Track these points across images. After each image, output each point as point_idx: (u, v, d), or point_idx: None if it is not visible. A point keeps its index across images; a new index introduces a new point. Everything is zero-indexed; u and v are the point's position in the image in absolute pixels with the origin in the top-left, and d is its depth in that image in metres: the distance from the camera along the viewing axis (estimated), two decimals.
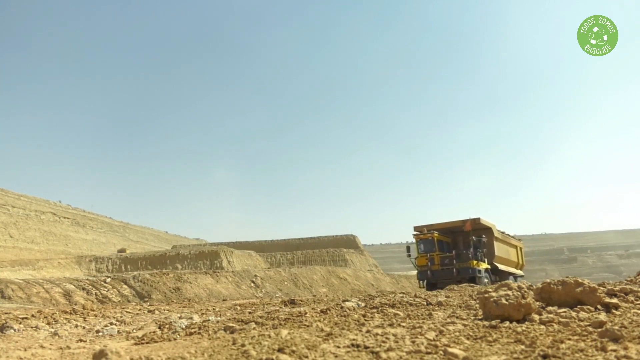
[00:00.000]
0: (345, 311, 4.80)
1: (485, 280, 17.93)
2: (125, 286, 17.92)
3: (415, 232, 19.17)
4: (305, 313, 4.69)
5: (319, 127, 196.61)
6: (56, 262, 33.99)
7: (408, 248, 19.73)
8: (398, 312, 4.35)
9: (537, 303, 3.54)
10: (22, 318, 5.11)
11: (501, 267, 20.10)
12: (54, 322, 5.00)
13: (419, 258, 18.71)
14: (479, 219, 18.39)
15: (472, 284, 15.84)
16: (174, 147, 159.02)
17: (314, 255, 50.45)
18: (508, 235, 22.24)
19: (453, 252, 18.08)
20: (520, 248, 23.77)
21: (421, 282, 19.17)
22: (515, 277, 21.94)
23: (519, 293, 3.34)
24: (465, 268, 17.55)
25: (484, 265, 18.32)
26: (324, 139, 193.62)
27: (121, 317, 5.53)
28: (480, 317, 3.52)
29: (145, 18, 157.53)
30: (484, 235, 18.50)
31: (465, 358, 2.28)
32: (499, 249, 19.92)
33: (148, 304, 8.41)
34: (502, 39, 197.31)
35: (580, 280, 3.70)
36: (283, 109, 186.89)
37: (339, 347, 2.61)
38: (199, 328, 4.13)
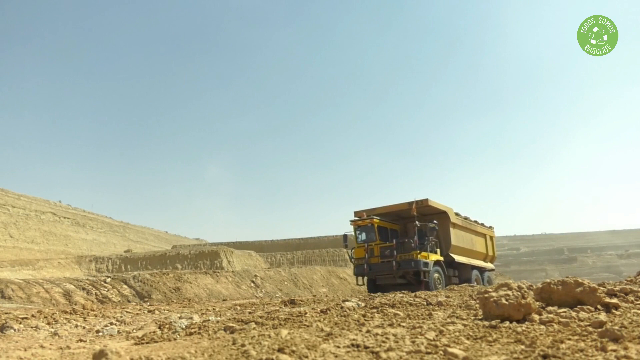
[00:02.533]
0: (345, 311, 4.81)
1: (436, 275, 15.14)
2: (125, 286, 17.92)
3: (353, 218, 15.90)
4: (305, 313, 4.69)
5: (320, 127, 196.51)
6: (56, 262, 33.98)
7: (345, 237, 16.16)
8: (398, 312, 4.36)
9: (537, 303, 3.54)
10: (22, 318, 5.11)
11: (460, 259, 16.87)
12: (54, 322, 5.00)
13: (357, 249, 15.60)
14: (426, 200, 15.39)
15: (419, 278, 14.16)
16: (174, 147, 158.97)
17: (314, 255, 50.41)
18: (472, 221, 18.87)
19: (394, 242, 14.95)
20: (491, 237, 20.28)
21: (359, 278, 16.36)
22: (482, 271, 18.93)
23: (519, 293, 3.34)
24: (407, 260, 14.49)
25: (435, 257, 15.27)
26: (325, 139, 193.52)
27: (121, 317, 5.53)
28: (480, 317, 3.52)
29: (145, 18, 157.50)
30: (435, 221, 15.39)
31: (465, 358, 2.28)
32: (457, 237, 16.82)
33: (148, 304, 8.42)
34: (502, 39, 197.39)
35: (580, 280, 3.71)
36: (283, 109, 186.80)
37: (339, 347, 2.61)
38: (199, 328, 4.13)
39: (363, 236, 15.69)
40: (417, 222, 14.68)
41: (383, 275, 15.18)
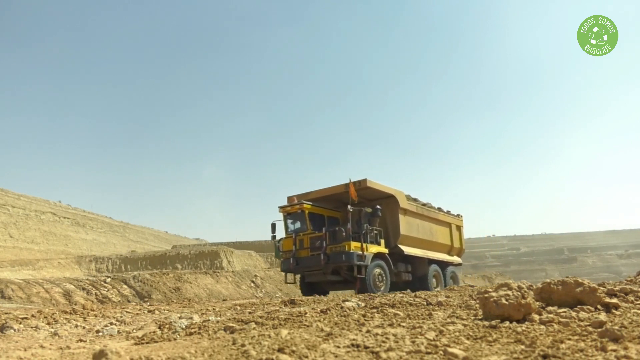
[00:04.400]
0: (345, 311, 4.81)
1: (376, 270, 12.63)
2: (125, 286, 17.91)
3: (282, 205, 13.49)
4: (305, 313, 4.69)
5: (319, 127, 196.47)
6: (56, 262, 33.97)
7: (273, 227, 13.40)
8: (398, 312, 4.36)
9: (537, 303, 3.54)
10: (22, 318, 5.11)
11: (412, 251, 14.37)
12: (54, 322, 5.00)
13: (285, 240, 13.30)
14: (365, 180, 12.81)
15: (359, 275, 11.93)
16: (174, 147, 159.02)
17: None
18: (435, 208, 16.39)
19: (324, 231, 12.47)
20: (458, 227, 17.59)
21: (288, 275, 13.85)
22: (445, 265, 16.32)
23: (519, 293, 3.34)
24: (337, 253, 12.04)
25: (376, 249, 12.81)
26: (324, 138, 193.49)
27: (121, 317, 5.53)
28: (480, 317, 3.52)
29: (145, 19, 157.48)
30: (378, 206, 13.13)
31: (465, 358, 2.28)
32: (408, 225, 14.30)
33: (148, 304, 8.41)
34: (502, 39, 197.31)
35: (580, 280, 3.71)
36: (283, 109, 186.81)
37: (339, 347, 2.62)
38: (199, 328, 4.13)
39: (294, 225, 13.34)
40: (349, 207, 12.32)
41: (312, 272, 12.91)
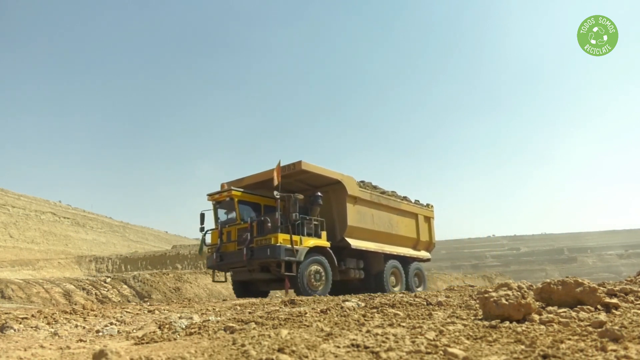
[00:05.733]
0: (345, 311, 4.81)
1: (314, 267, 11.00)
2: (125, 286, 17.92)
3: (211, 192, 11.79)
4: (305, 313, 4.69)
5: (319, 127, 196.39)
6: (56, 262, 33.98)
7: (202, 217, 11.81)
8: (398, 312, 4.35)
9: (537, 303, 3.54)
10: (22, 318, 5.11)
11: (362, 244, 12.57)
12: (54, 322, 5.00)
13: (213, 233, 11.81)
14: (299, 163, 11.24)
15: (290, 273, 10.44)
16: (175, 147, 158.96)
17: None
18: (395, 196, 14.43)
19: (249, 221, 10.84)
20: (427, 218, 15.57)
21: (215, 273, 12.40)
22: (408, 261, 14.57)
23: (519, 293, 3.34)
24: (262, 247, 10.49)
25: (313, 242, 11.15)
26: (324, 138, 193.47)
27: (121, 317, 5.53)
28: (480, 317, 3.52)
29: (145, 19, 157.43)
30: (319, 193, 11.60)
31: (465, 358, 2.28)
32: (359, 215, 12.52)
33: (148, 304, 8.40)
34: (502, 39, 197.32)
35: (580, 280, 3.70)
36: (283, 109, 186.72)
37: (339, 347, 2.61)
38: (199, 328, 4.13)
39: (228, 215, 11.79)
40: (276, 193, 10.62)
41: (236, 269, 11.46)
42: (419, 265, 15.38)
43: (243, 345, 2.72)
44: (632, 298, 3.93)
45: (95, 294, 16.20)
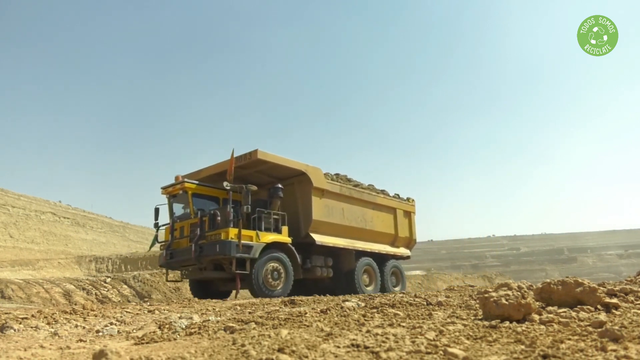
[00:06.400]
0: (345, 311, 4.81)
1: (271, 265, 10.24)
2: (125, 286, 17.93)
3: (165, 185, 11.10)
4: (305, 313, 4.69)
5: (320, 128, 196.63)
6: (56, 262, 33.99)
7: (157, 211, 11.01)
8: (398, 312, 4.36)
9: (537, 303, 3.54)
10: (22, 318, 5.11)
11: (330, 241, 11.71)
12: (54, 322, 5.00)
13: (167, 228, 11.10)
14: (255, 152, 10.56)
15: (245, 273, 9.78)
16: (174, 147, 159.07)
17: None
18: (378, 190, 13.70)
19: (199, 215, 10.16)
20: (407, 212, 14.55)
21: (167, 271, 11.95)
22: (384, 258, 13.66)
23: (519, 293, 3.34)
24: (211, 243, 9.80)
25: (271, 238, 10.45)
26: (324, 138, 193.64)
27: (121, 317, 5.53)
28: (480, 317, 3.52)
29: (145, 19, 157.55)
30: (279, 185, 10.90)
31: (465, 358, 2.28)
32: (327, 209, 11.67)
33: (148, 303, 8.38)
34: (503, 39, 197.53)
35: (580, 280, 3.71)
36: (283, 109, 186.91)
37: (339, 347, 2.62)
38: (199, 328, 4.13)
39: (185, 210, 11.01)
40: (226, 184, 9.89)
41: (187, 267, 10.75)
42: (396, 263, 14.36)
43: (243, 345, 2.72)
44: (632, 298, 3.93)
45: (95, 294, 16.21)
